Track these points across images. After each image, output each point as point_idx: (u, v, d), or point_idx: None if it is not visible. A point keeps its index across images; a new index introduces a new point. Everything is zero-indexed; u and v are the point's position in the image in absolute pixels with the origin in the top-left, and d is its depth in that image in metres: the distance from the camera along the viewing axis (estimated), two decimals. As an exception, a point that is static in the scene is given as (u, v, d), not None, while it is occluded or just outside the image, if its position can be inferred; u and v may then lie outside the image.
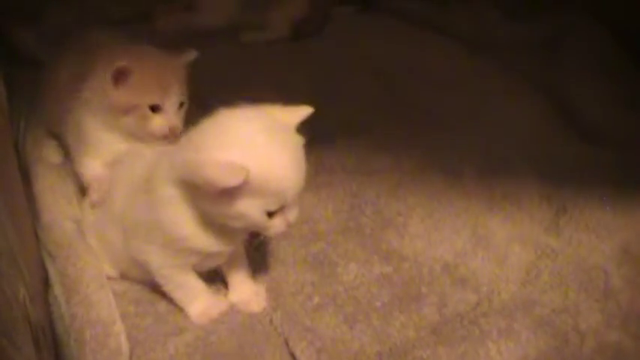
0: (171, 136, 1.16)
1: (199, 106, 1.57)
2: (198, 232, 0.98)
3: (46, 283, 1.09)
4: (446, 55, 1.89)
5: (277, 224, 0.95)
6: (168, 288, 1.07)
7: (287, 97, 1.60)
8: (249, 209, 0.91)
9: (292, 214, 0.96)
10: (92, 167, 1.22)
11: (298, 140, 0.94)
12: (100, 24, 1.34)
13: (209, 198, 0.91)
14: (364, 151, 1.42)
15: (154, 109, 1.15)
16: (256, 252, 1.17)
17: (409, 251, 1.21)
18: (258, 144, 0.90)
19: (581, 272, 1.18)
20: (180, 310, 1.09)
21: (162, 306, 1.10)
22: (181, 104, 1.19)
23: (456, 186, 1.36)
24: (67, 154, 1.31)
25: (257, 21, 1.94)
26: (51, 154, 1.37)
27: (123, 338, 1.01)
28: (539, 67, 1.82)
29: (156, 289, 1.10)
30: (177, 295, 1.07)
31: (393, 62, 1.83)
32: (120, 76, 1.11)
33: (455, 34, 1.97)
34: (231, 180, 0.86)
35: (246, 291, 1.12)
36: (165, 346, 1.03)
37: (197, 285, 1.07)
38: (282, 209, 0.93)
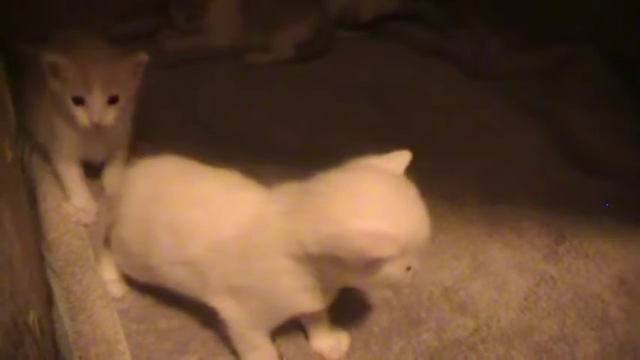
0: (96, 130, 1.22)
1: (203, 127, 1.61)
2: (307, 297, 0.94)
3: (50, 301, 1.10)
4: (448, 81, 1.91)
5: (410, 276, 0.92)
6: (241, 347, 1.02)
7: (289, 119, 1.64)
8: (395, 271, 0.88)
9: (417, 262, 0.92)
10: (71, 174, 1.30)
11: (413, 186, 0.92)
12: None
13: (351, 269, 0.87)
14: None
15: (78, 101, 1.20)
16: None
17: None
18: (395, 206, 0.87)
19: (579, 301, 1.19)
20: (182, 328, 1.09)
21: (164, 324, 1.11)
22: (114, 99, 1.21)
23: (456, 212, 1.37)
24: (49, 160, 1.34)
25: (261, 43, 1.97)
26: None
27: (127, 357, 1.01)
28: (539, 96, 1.84)
29: (158, 304, 1.11)
30: (247, 356, 1.02)
31: (394, 87, 1.85)
32: (53, 69, 1.18)
33: (457, 61, 1.99)
34: (386, 250, 0.83)
35: (330, 338, 1.07)
36: (167, 365, 1.03)
37: (270, 349, 1.02)
38: None
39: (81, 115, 1.21)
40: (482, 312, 1.16)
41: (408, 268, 0.90)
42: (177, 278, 1.01)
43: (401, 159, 0.96)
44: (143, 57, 1.24)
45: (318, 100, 1.78)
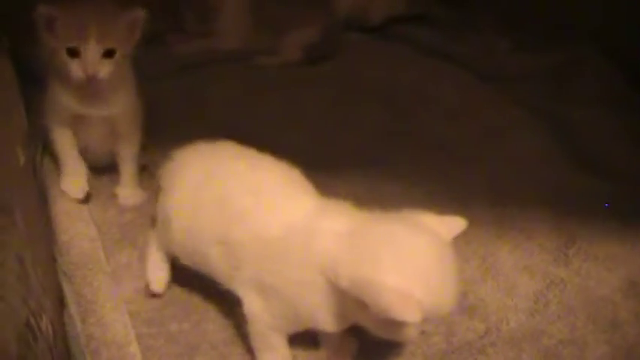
0: (91, 83, 1.21)
1: (211, 130, 1.61)
2: (328, 318, 0.94)
3: (61, 303, 1.10)
4: (456, 84, 1.90)
5: (416, 333, 0.92)
6: (257, 345, 1.02)
7: (297, 121, 1.64)
8: (410, 331, 0.88)
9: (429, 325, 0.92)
10: (64, 145, 1.31)
11: (456, 258, 0.91)
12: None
13: (371, 315, 0.86)
14: (373, 179, 1.43)
15: (73, 53, 1.20)
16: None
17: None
18: (433, 275, 0.86)
19: (589, 303, 1.19)
20: (193, 331, 1.10)
21: (174, 327, 1.11)
22: (110, 52, 1.21)
23: (465, 214, 1.36)
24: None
25: (270, 46, 1.97)
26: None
27: (138, 360, 1.01)
28: (547, 98, 1.84)
29: (169, 307, 1.12)
30: (263, 354, 1.02)
31: (402, 90, 1.85)
32: (48, 22, 1.18)
33: (465, 63, 1.99)
34: (408, 316, 0.82)
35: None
36: (177, 368, 1.04)
37: (287, 353, 1.02)
38: None
39: (75, 67, 1.20)
40: (492, 315, 1.17)
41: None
42: (213, 258, 1.00)
43: (455, 225, 0.95)
44: (140, 13, 1.25)
45: (326, 102, 1.78)
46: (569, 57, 1.93)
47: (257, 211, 0.97)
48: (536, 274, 1.25)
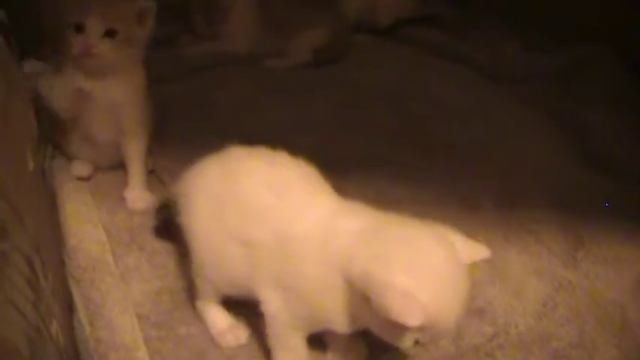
0: (88, 57, 1.25)
1: (220, 132, 1.62)
2: (343, 319, 0.93)
3: (70, 307, 1.11)
4: (464, 85, 1.90)
5: (412, 345, 0.91)
6: (275, 345, 1.01)
7: (306, 123, 1.64)
8: (405, 339, 0.88)
9: (426, 339, 0.91)
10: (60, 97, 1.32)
11: (471, 282, 0.90)
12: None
13: (373, 313, 0.86)
14: (383, 181, 1.43)
15: (78, 29, 1.24)
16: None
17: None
18: (443, 286, 0.86)
19: (598, 306, 1.19)
20: (202, 335, 1.10)
21: (182, 330, 1.11)
22: (112, 32, 1.25)
23: (473, 217, 1.37)
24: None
25: (279, 48, 1.98)
26: (78, 168, 1.42)
27: (146, 364, 1.02)
28: (556, 98, 1.84)
29: (177, 310, 1.13)
30: (281, 355, 1.01)
31: (411, 91, 1.86)
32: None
33: (473, 64, 1.99)
34: (408, 319, 0.81)
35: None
36: (185, 372, 1.04)
37: (305, 354, 1.01)
38: None
39: (76, 42, 1.24)
40: (500, 318, 1.16)
41: (417, 340, 0.89)
42: (235, 261, 1.00)
43: (477, 252, 0.94)
44: (150, 3, 1.28)
45: (334, 104, 1.78)
46: (578, 57, 1.93)
47: (278, 209, 0.97)
48: (544, 277, 1.24)
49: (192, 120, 1.66)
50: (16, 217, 0.83)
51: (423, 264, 0.86)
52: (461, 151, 1.60)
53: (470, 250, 0.93)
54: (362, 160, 1.52)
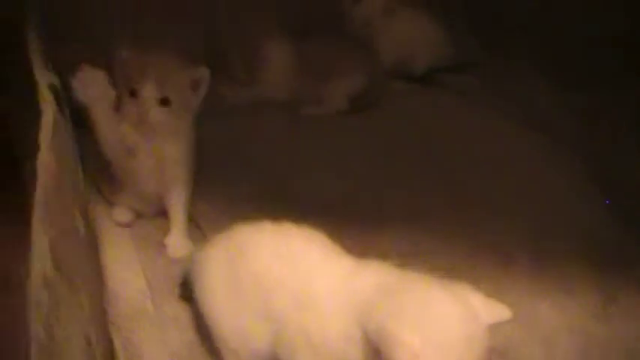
0: (140, 125, 1.29)
1: (255, 176, 1.64)
2: None
3: (112, 355, 1.14)
4: (497, 133, 1.91)
5: None
6: None
7: (339, 171, 1.66)
8: None
9: None
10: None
11: (486, 346, 0.90)
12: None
13: None
14: (417, 234, 1.44)
15: (133, 94, 1.27)
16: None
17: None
18: (454, 349, 0.85)
19: (630, 363, 1.19)
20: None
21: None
22: (166, 101, 1.28)
23: (506, 269, 1.38)
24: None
25: (316, 95, 2.01)
26: (119, 214, 1.45)
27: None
28: (590, 140, 1.83)
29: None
30: None
31: (446, 140, 1.87)
32: (121, 64, 1.30)
33: (507, 112, 2.00)
34: None
35: None
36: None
37: None
38: None
39: (130, 107, 1.29)
40: (531, 373, 1.17)
41: None
42: (258, 336, 1.02)
43: (499, 312, 0.95)
44: (205, 72, 1.31)
45: (370, 151, 1.80)
46: (607, 97, 1.92)
47: (294, 275, 0.99)
48: (575, 332, 1.24)
49: (228, 165, 1.68)
50: (73, 290, 0.86)
51: (437, 325, 0.87)
52: (494, 201, 1.60)
53: (491, 310, 0.93)
54: (396, 210, 1.54)
